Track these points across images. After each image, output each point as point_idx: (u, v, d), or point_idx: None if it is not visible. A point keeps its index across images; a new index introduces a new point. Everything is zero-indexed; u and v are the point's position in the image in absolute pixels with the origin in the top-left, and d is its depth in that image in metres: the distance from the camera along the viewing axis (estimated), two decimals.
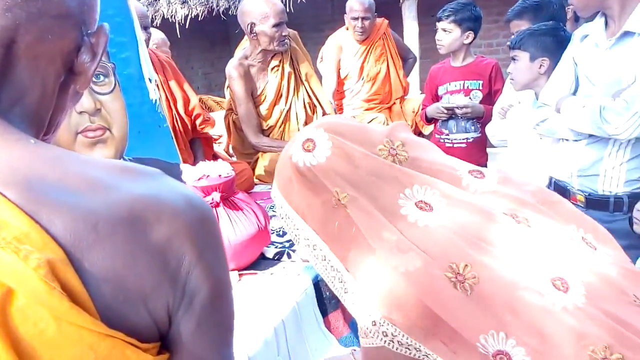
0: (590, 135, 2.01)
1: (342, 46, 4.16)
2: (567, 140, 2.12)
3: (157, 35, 3.98)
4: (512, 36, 2.52)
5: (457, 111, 3.11)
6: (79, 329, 0.55)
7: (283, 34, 3.03)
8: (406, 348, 0.98)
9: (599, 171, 2.03)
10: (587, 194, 2.09)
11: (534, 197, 1.13)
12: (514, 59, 2.38)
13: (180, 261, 0.62)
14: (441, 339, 0.96)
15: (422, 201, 1.01)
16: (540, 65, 2.32)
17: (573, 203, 2.10)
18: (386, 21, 4.17)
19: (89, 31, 0.68)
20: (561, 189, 2.17)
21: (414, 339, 0.96)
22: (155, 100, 2.53)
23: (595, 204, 2.06)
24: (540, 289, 0.95)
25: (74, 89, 0.70)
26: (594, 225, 1.14)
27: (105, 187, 0.60)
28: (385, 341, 0.98)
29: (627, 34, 1.93)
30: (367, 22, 3.97)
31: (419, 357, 0.99)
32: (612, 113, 1.89)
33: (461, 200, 1.03)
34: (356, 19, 3.96)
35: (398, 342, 0.98)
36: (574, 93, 2.11)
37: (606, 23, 2.03)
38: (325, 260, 1.06)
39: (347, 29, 4.13)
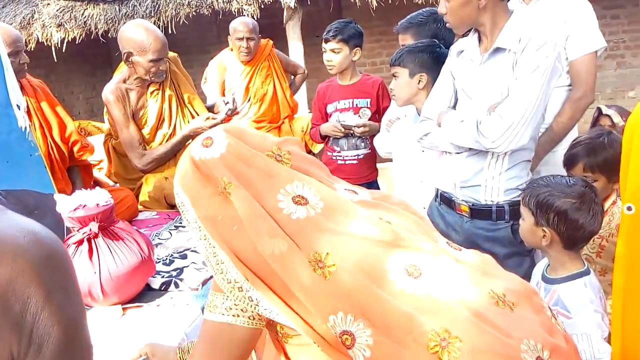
0: (470, 148, 2.08)
1: (226, 67, 4.12)
2: (449, 153, 2.19)
3: None
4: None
5: (356, 130, 3.14)
6: None
7: (160, 68, 2.94)
8: (268, 314, 1.10)
9: (480, 182, 2.10)
10: (470, 204, 2.15)
11: (398, 208, 1.27)
12: (395, 76, 2.44)
13: (25, 305, 0.56)
14: (298, 313, 1.08)
15: (299, 195, 1.14)
16: (419, 81, 2.39)
17: (458, 213, 2.18)
18: (271, 42, 4.18)
19: None
20: (447, 200, 2.23)
21: (275, 306, 1.08)
22: (25, 127, 2.36)
23: (478, 213, 2.13)
24: (393, 275, 1.08)
25: None
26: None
27: None
28: (250, 305, 1.10)
29: (498, 49, 2.03)
30: (252, 43, 3.96)
31: (279, 329, 1.13)
32: (488, 127, 1.96)
33: (332, 195, 1.17)
34: (241, 39, 3.94)
35: (262, 307, 1.09)
36: (454, 106, 2.19)
37: (479, 39, 2.12)
38: (206, 240, 1.15)
39: (232, 50, 4.10)
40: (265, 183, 1.14)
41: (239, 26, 3.95)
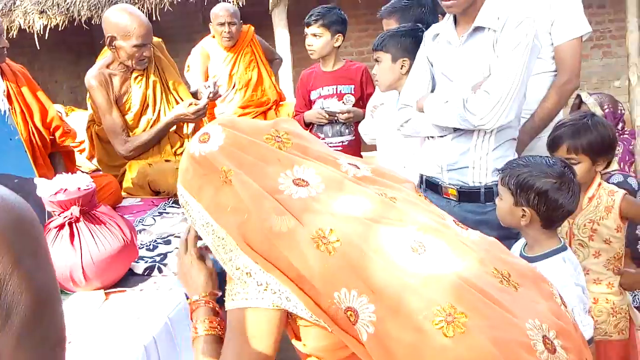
0: (455, 130, 2.07)
1: (209, 54, 4.09)
2: (432, 137, 2.18)
3: None
4: None
5: (340, 117, 3.12)
6: None
7: (144, 54, 2.91)
8: (278, 297, 1.09)
9: (467, 163, 2.09)
10: (458, 187, 2.14)
11: (401, 186, 1.27)
12: (377, 61, 2.44)
13: None
14: (304, 290, 1.07)
15: (299, 178, 1.15)
16: (402, 66, 2.39)
17: (445, 198, 2.17)
18: (252, 28, 4.15)
19: None
20: (433, 185, 2.22)
21: (287, 287, 1.07)
22: (5, 111, 2.33)
23: (466, 196, 2.12)
24: (397, 251, 1.07)
25: None
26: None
27: None
28: (258, 290, 1.09)
29: (477, 29, 2.03)
30: (233, 28, 3.93)
31: (288, 307, 1.09)
32: (475, 104, 1.96)
33: (333, 175, 1.18)
34: (222, 24, 3.91)
35: (271, 290, 1.09)
36: (432, 92, 2.18)
37: (455, 21, 2.12)
38: (214, 234, 1.16)
39: (214, 37, 4.07)
40: (264, 168, 1.16)
41: (220, 11, 3.92)
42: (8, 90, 2.64)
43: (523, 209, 1.74)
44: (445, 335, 0.98)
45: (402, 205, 1.17)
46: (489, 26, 1.99)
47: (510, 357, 0.98)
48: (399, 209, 1.16)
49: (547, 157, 1.84)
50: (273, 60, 4.37)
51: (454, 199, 2.15)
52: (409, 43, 2.38)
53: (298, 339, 1.19)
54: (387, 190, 1.21)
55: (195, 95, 3.33)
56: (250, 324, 1.12)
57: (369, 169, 1.27)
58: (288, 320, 1.17)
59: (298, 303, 1.08)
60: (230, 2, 5.05)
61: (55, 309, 0.61)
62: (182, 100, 3.15)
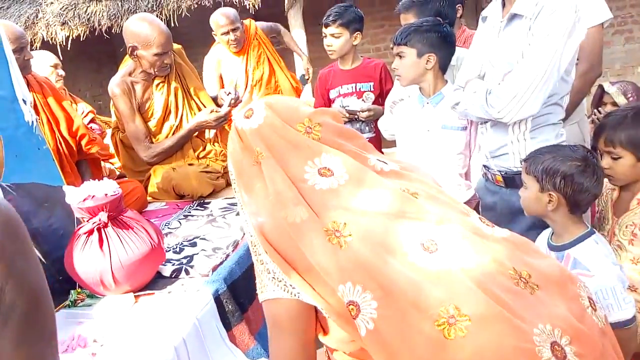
0: None
1: (220, 60, 4.11)
2: (482, 124, 2.18)
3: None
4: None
5: (361, 115, 3.12)
6: None
7: (165, 61, 2.95)
8: (285, 285, 1.12)
9: (507, 150, 2.08)
10: (503, 173, 2.13)
11: (431, 184, 1.28)
12: (400, 55, 2.40)
13: None
14: (309, 282, 1.10)
15: (325, 167, 1.18)
16: (427, 61, 2.37)
17: (497, 184, 2.16)
18: (253, 21, 4.14)
19: None
20: (485, 173, 2.23)
21: (285, 275, 1.11)
22: (32, 122, 2.37)
23: (511, 182, 2.10)
24: (407, 248, 1.08)
25: None
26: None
27: None
28: (269, 278, 1.14)
29: (515, 16, 1.98)
30: (238, 33, 3.94)
31: (295, 294, 1.12)
32: (495, 97, 1.94)
33: (358, 168, 1.19)
34: (226, 33, 3.92)
35: (277, 278, 1.13)
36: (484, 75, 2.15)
37: (503, 4, 2.07)
38: (242, 210, 1.26)
39: (219, 43, 4.09)
40: (293, 154, 1.20)
41: (220, 20, 3.92)
42: (35, 101, 2.71)
43: (550, 194, 1.74)
44: (446, 337, 0.98)
45: (423, 201, 1.17)
46: (524, 13, 1.93)
47: None
48: (420, 205, 1.16)
49: (570, 144, 1.83)
50: (275, 36, 4.31)
51: (502, 185, 2.15)
52: (434, 38, 2.35)
53: (325, 332, 1.20)
54: (411, 185, 1.21)
55: (215, 99, 3.36)
56: (281, 315, 1.15)
57: (397, 166, 1.29)
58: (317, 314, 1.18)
59: (302, 294, 1.11)
60: (236, 4, 5.06)
61: (48, 304, 0.62)
62: (204, 106, 3.19)
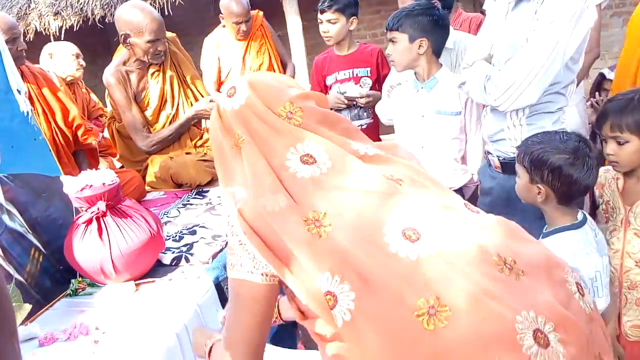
0: None
1: (219, 44, 4.10)
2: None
3: None
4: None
5: (360, 101, 3.11)
6: None
7: (158, 49, 2.92)
8: (264, 267, 1.11)
9: (504, 135, 2.06)
10: (500, 159, 2.12)
11: (416, 169, 1.24)
12: (393, 41, 2.40)
13: None
14: (289, 267, 1.08)
15: (307, 154, 1.14)
16: (420, 46, 2.36)
17: (495, 170, 2.14)
18: (261, 13, 4.14)
19: None
20: (486, 155, 2.22)
21: (264, 259, 1.09)
22: (27, 112, 2.36)
23: (509, 167, 2.04)
24: (389, 238, 1.05)
25: None
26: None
27: None
28: (249, 258, 1.11)
29: None
30: (248, 24, 3.94)
31: (271, 279, 1.12)
32: (492, 85, 1.92)
33: (341, 154, 1.15)
34: (239, 23, 3.90)
35: (257, 261, 1.11)
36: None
37: None
38: (224, 191, 1.22)
39: (224, 26, 4.07)
40: (275, 140, 1.15)
41: (234, 8, 3.87)
42: (29, 92, 2.70)
43: (538, 186, 1.72)
44: (425, 328, 0.96)
45: (406, 188, 1.14)
46: None
47: (487, 351, 0.94)
48: (403, 192, 1.12)
49: (563, 132, 1.80)
50: (286, 64, 4.32)
51: (499, 170, 2.13)
52: (426, 22, 2.34)
53: (304, 317, 1.19)
54: (395, 171, 1.18)
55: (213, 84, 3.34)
56: (242, 295, 1.15)
57: (381, 150, 1.24)
58: (292, 296, 1.17)
59: (280, 278, 1.11)
60: None
61: (7, 302, 0.62)
62: (200, 94, 3.17)
